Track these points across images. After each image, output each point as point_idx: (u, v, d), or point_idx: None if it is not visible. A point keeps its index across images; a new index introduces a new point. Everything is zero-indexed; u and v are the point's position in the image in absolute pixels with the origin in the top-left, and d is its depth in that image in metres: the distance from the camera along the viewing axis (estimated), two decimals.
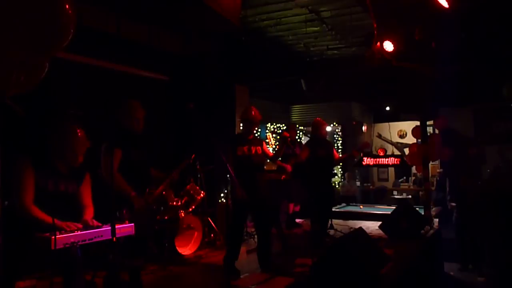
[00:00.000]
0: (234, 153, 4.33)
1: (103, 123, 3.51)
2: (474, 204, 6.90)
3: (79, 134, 2.91)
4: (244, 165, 4.32)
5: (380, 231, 5.93)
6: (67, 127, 2.90)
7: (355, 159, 8.76)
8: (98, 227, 2.88)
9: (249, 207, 4.32)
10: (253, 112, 4.47)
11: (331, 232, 6.13)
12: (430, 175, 8.56)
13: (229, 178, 4.05)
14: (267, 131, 9.56)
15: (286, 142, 4.78)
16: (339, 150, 11.40)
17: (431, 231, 6.17)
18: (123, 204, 3.36)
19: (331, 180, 6.15)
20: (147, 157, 3.73)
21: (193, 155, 4.27)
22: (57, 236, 2.52)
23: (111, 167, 3.08)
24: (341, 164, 11.27)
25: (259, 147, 4.50)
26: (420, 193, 10.65)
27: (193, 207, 5.38)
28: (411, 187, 12.05)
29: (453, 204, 7.15)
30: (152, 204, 3.82)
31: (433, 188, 9.77)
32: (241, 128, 4.87)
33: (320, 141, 5.90)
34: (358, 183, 11.77)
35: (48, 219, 2.66)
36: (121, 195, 3.35)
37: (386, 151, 11.38)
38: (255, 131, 4.62)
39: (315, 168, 5.61)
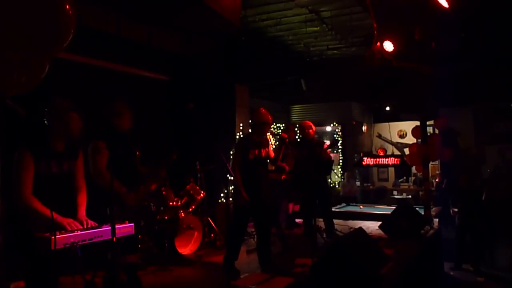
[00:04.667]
0: (246, 157, 4.30)
1: (92, 123, 3.53)
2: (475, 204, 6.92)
3: (71, 112, 2.91)
4: (254, 168, 4.32)
5: (380, 231, 5.93)
6: (58, 106, 2.90)
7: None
8: (92, 227, 2.88)
9: (251, 209, 4.32)
10: (266, 114, 4.43)
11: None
12: (430, 175, 8.57)
13: (231, 181, 4.04)
14: None
15: (284, 143, 4.78)
16: (339, 150, 11.40)
17: (431, 231, 6.16)
18: (114, 202, 3.37)
19: (323, 179, 6.13)
20: (134, 155, 3.74)
21: (177, 151, 4.25)
22: (57, 236, 2.52)
23: (107, 167, 3.09)
24: (340, 164, 11.29)
25: (267, 149, 4.51)
26: (420, 193, 10.65)
27: (193, 207, 5.39)
28: (411, 187, 12.05)
29: (455, 209, 7.16)
30: (142, 201, 3.83)
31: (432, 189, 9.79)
32: (250, 130, 4.86)
33: (304, 141, 6.04)
34: (358, 183, 11.77)
35: (47, 212, 2.66)
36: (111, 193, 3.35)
37: (386, 151, 11.39)
38: (267, 133, 4.59)
39: (296, 167, 5.68)
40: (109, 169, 3.41)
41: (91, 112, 3.42)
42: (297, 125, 6.17)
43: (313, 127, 6.17)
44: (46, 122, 2.86)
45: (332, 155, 6.27)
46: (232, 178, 4.47)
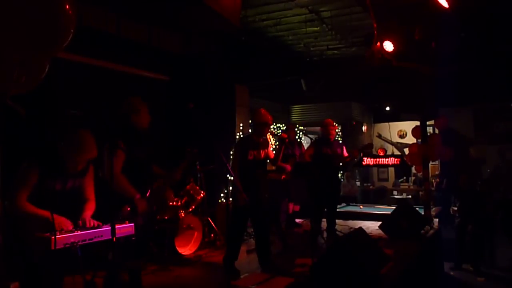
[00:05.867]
0: (245, 157, 4.31)
1: (106, 123, 3.49)
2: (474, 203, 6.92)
3: (89, 140, 2.92)
4: (253, 168, 4.33)
5: (380, 231, 5.93)
6: (77, 133, 2.90)
7: (355, 159, 8.78)
8: (94, 227, 2.88)
9: (249, 209, 4.32)
10: (266, 115, 4.43)
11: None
12: (430, 175, 8.57)
13: (231, 181, 4.02)
14: None
15: (284, 143, 4.79)
16: None
17: (431, 231, 6.16)
18: (125, 203, 3.34)
19: (337, 178, 6.13)
20: (150, 155, 3.71)
21: (192, 154, 4.18)
22: (57, 236, 2.52)
23: (110, 167, 3.06)
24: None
25: (266, 150, 4.51)
26: (420, 193, 10.65)
27: (193, 207, 5.38)
28: (411, 187, 12.05)
29: (455, 208, 7.17)
30: (153, 205, 3.79)
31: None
32: (250, 131, 4.86)
33: (325, 140, 5.97)
34: (358, 183, 11.77)
35: (42, 212, 2.66)
36: (125, 197, 3.32)
37: (386, 151, 11.39)
38: (267, 134, 4.58)
39: (318, 166, 5.65)
40: (125, 172, 3.34)
41: (91, 112, 3.42)
42: (322, 123, 6.14)
43: (336, 126, 6.18)
44: (59, 142, 2.87)
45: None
46: (232, 178, 4.47)
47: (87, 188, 3.11)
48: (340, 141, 6.49)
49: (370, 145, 6.41)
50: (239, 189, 4.09)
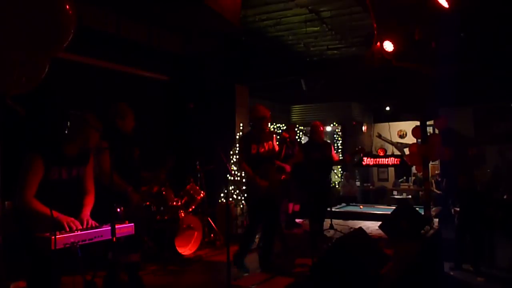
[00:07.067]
0: (248, 152, 4.34)
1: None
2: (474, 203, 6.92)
3: (90, 118, 2.94)
4: (257, 162, 4.34)
5: (380, 231, 5.93)
6: (82, 119, 2.91)
7: (355, 160, 8.77)
8: (92, 227, 2.88)
9: (264, 202, 4.31)
10: (263, 108, 4.45)
11: (331, 232, 6.13)
12: (430, 175, 8.57)
13: (231, 181, 4.04)
14: None
15: (285, 142, 4.77)
16: (339, 150, 11.39)
17: (431, 231, 6.16)
18: (119, 202, 3.37)
19: (327, 181, 6.12)
20: (137, 157, 3.75)
21: (175, 156, 4.31)
22: (57, 236, 2.52)
23: (111, 167, 3.08)
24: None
25: (271, 142, 4.50)
26: (420, 193, 10.65)
27: (193, 207, 5.39)
28: (411, 187, 12.06)
29: (457, 209, 7.17)
30: (145, 201, 3.83)
31: (434, 189, 9.78)
32: (250, 128, 4.87)
33: (314, 144, 5.96)
34: (358, 183, 11.77)
35: (47, 212, 2.66)
36: (117, 191, 3.35)
37: (386, 151, 11.39)
38: (267, 127, 4.57)
39: (309, 170, 5.65)
40: (113, 169, 3.39)
41: (91, 112, 3.42)
42: (310, 126, 6.12)
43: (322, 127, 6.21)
44: (65, 131, 2.87)
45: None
46: (231, 178, 4.48)
47: (88, 179, 3.11)
48: (328, 141, 6.48)
49: (362, 149, 6.40)
50: (254, 178, 4.07)
